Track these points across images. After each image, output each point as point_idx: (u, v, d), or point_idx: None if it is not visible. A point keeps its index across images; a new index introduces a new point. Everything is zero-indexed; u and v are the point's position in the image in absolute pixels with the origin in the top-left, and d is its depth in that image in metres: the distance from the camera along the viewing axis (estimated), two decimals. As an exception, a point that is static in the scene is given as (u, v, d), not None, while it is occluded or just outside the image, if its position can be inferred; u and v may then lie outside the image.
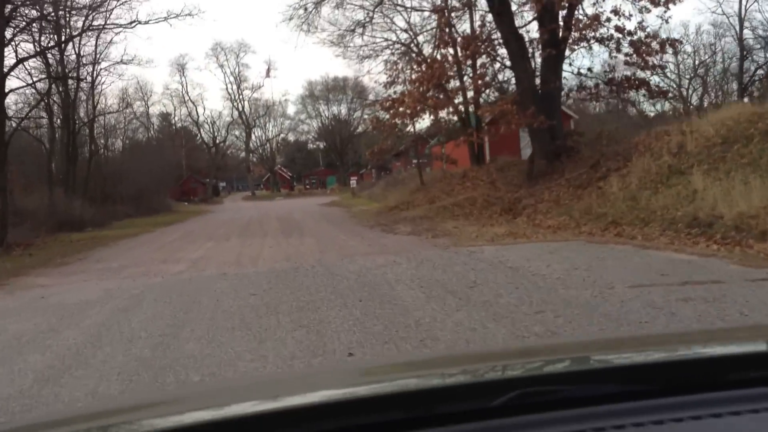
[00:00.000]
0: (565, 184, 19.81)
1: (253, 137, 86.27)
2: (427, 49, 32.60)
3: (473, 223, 19.28)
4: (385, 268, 10.31)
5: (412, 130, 37.63)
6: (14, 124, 33.81)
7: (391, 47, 33.09)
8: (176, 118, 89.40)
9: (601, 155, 19.66)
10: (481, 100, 24.42)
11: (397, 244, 15.00)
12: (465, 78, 25.35)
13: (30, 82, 33.38)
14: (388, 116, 32.79)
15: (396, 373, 1.90)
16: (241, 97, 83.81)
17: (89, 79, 37.54)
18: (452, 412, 1.22)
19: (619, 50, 22.06)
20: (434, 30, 31.01)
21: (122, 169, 53.56)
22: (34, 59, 32.72)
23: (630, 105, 35.17)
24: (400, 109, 23.04)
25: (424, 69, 22.56)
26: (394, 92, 31.78)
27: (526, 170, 23.38)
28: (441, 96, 21.51)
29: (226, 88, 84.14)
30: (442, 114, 34.44)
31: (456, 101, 22.73)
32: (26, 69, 31.59)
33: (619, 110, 46.60)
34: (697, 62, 52.41)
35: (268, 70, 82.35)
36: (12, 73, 31.47)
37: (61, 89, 34.86)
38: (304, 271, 10.57)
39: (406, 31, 32.69)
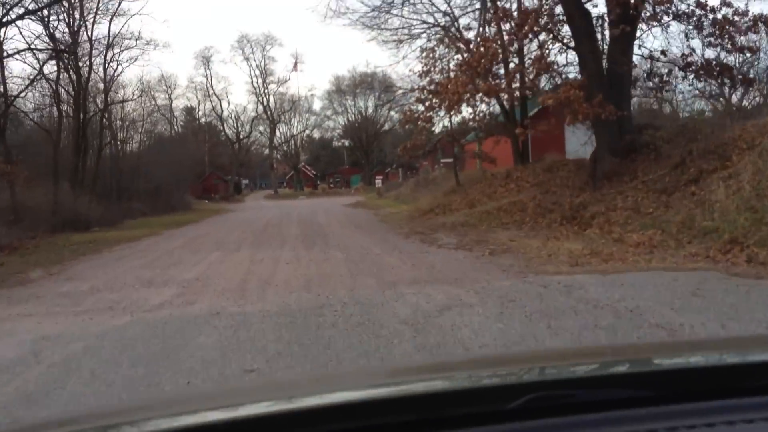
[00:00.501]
0: (642, 188, 16.22)
1: (277, 133, 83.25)
2: (469, 35, 29.02)
3: (532, 235, 15.79)
4: (451, 313, 6.86)
5: (446, 124, 34.08)
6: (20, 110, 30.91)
7: (427, 31, 29.58)
8: (200, 113, 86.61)
9: (688, 153, 16.04)
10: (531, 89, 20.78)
11: (447, 263, 11.57)
12: (514, 62, 21.81)
13: (37, 67, 30.46)
14: (422, 108, 29.48)
15: (415, 375, 1.91)
16: (266, 91, 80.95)
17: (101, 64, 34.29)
18: (468, 414, 1.24)
19: (700, 29, 18.45)
20: (477, 12, 27.56)
21: (139, 164, 50.62)
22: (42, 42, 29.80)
23: (666, 102, 31.27)
24: (438, 99, 19.60)
25: (472, 49, 19.09)
26: (430, 82, 28.53)
27: (589, 171, 19.82)
28: (493, 81, 17.92)
29: (251, 82, 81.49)
30: (482, 107, 31.08)
31: (511, 86, 19.07)
32: (35, 55, 28.80)
33: (653, 109, 42.25)
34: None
35: (295, 64, 78.82)
36: (18, 57, 28.58)
37: (72, 74, 31.77)
38: (331, 314, 7.13)
39: (446, 13, 29.10)
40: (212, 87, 79.79)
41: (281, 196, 76.22)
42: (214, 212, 46.89)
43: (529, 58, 19.56)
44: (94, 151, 35.76)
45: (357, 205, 45.73)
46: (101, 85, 39.44)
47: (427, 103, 29.45)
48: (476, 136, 32.03)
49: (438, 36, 29.80)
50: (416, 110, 29.78)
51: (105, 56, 33.86)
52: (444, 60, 28.09)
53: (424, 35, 30.28)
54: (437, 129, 31.43)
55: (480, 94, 19.36)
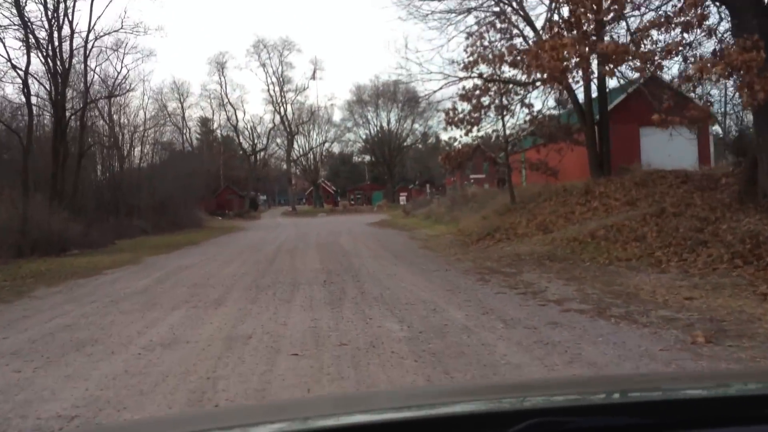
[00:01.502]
0: None
1: (295, 146, 77.09)
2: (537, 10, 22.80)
3: (705, 285, 9.34)
4: None
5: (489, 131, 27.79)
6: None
7: (475, 10, 23.17)
8: (215, 124, 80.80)
9: None
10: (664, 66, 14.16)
11: (614, 360, 5.29)
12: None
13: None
14: (469, 107, 23.25)
15: (419, 400, 1.96)
16: (283, 100, 74.89)
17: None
18: None
19: None
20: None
21: (141, 176, 44.69)
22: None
23: None
24: (532, 66, 13.27)
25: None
26: (475, 74, 22.48)
27: (742, 184, 13.35)
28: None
29: (268, 90, 75.16)
30: (549, 102, 24.81)
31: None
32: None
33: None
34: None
35: (314, 72, 72.79)
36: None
37: (49, 64, 25.81)
38: None
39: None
40: (227, 95, 73.84)
41: (300, 213, 70.11)
42: (223, 231, 40.75)
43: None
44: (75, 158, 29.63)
45: (384, 225, 39.47)
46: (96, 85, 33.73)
47: (473, 101, 23.30)
48: (534, 142, 25.58)
49: (488, 20, 23.30)
50: (462, 110, 23.58)
51: (86, 42, 27.69)
52: (494, 46, 21.79)
53: (471, 17, 23.86)
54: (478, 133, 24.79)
55: (593, 62, 12.96)
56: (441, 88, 24.53)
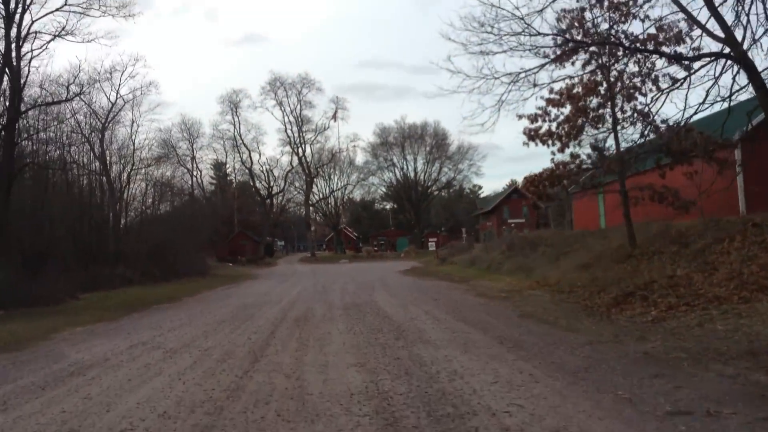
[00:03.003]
0: None
1: (315, 189, 69.13)
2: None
3: None
4: None
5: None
6: None
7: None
8: (230, 167, 73.22)
9: None
10: None
11: None
12: None
13: None
14: (563, 112, 15.36)
15: None
16: (302, 140, 67.22)
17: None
18: None
19: None
20: None
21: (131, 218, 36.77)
22: None
23: None
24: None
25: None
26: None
27: None
28: None
29: (285, 130, 68.17)
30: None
31: None
32: None
33: None
34: None
35: (335, 112, 65.23)
36: None
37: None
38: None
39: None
40: (241, 136, 66.08)
41: (320, 259, 61.80)
42: (227, 280, 32.56)
43: None
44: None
45: (421, 273, 31.12)
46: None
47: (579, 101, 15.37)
48: (658, 160, 17.06)
49: None
50: (553, 116, 15.61)
51: (19, 28, 19.89)
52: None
53: None
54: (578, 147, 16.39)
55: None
56: (538, 70, 16.26)
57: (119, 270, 29.67)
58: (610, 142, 16.69)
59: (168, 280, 30.73)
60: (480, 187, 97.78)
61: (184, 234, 39.74)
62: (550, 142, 16.22)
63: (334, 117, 64.98)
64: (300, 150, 66.95)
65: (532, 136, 16.42)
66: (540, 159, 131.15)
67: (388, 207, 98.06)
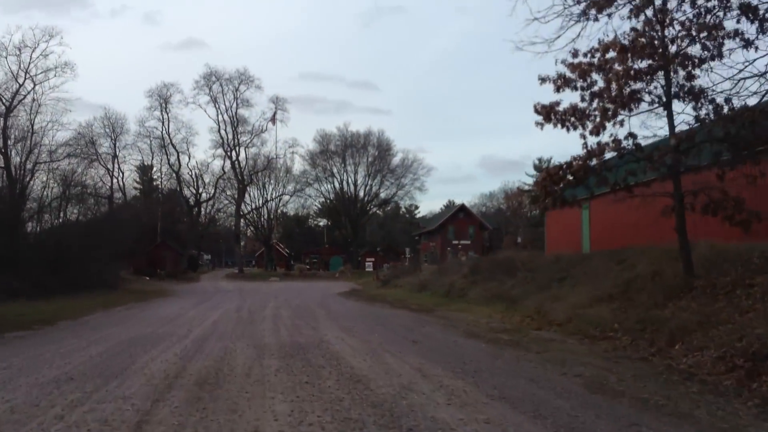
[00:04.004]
0: None
1: (247, 198, 62.95)
2: None
3: None
4: None
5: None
6: None
7: None
8: (158, 172, 66.44)
9: None
10: None
11: None
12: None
13: None
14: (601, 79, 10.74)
15: None
16: (236, 142, 61.08)
17: None
18: None
19: None
20: None
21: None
22: None
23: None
24: None
25: None
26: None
27: None
28: None
29: (219, 130, 61.90)
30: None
31: None
32: None
33: None
34: None
35: (275, 114, 59.27)
36: None
37: None
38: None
39: None
40: (169, 135, 59.22)
41: (248, 277, 55.73)
42: (137, 297, 26.64)
43: None
44: None
45: (366, 298, 25.95)
46: None
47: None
48: (714, 157, 12.33)
49: None
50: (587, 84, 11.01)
51: None
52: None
53: None
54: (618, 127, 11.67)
55: None
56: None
57: (3, 279, 23.54)
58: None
59: (67, 294, 24.60)
60: (416, 207, 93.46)
61: (96, 241, 33.46)
62: (573, 120, 11.48)
63: (273, 120, 59.03)
64: (234, 153, 60.55)
65: (549, 114, 11.66)
66: (475, 182, 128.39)
67: (321, 224, 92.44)
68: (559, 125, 11.81)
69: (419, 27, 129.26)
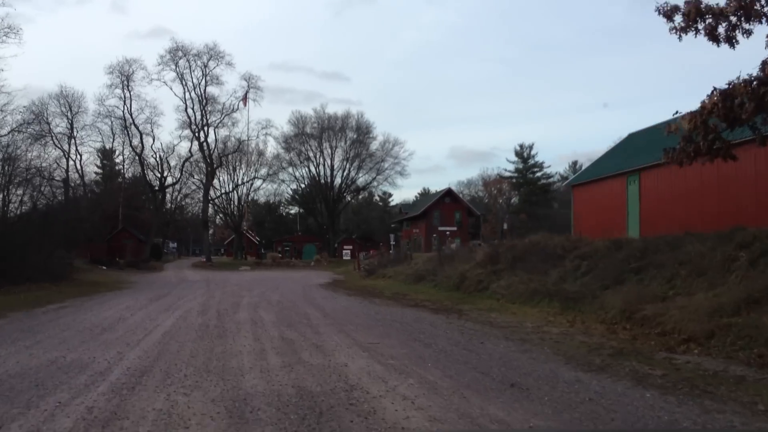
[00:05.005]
0: None
1: (216, 183, 57.32)
2: None
3: None
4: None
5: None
6: None
7: None
8: (118, 154, 60.58)
9: None
10: None
11: None
12: None
13: None
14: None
15: None
16: (205, 122, 54.81)
17: None
18: None
19: None
20: None
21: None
22: None
23: None
24: None
25: None
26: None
27: None
28: None
29: (186, 109, 54.90)
30: None
31: None
32: None
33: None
34: None
35: (246, 93, 53.53)
36: None
37: None
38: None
39: None
40: (132, 115, 53.03)
41: (216, 266, 50.40)
42: (84, 291, 21.75)
43: None
44: None
45: (359, 292, 21.19)
46: None
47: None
48: None
49: None
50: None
51: None
52: None
53: None
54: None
55: None
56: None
57: None
58: None
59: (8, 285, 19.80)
60: (390, 195, 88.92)
61: (44, 228, 28.19)
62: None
63: (245, 99, 53.37)
64: (202, 134, 54.55)
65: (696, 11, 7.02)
66: (445, 173, 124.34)
67: (293, 212, 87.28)
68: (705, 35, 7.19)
69: (390, 18, 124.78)
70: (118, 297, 19.43)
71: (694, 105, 8.48)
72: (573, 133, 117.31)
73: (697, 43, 11.21)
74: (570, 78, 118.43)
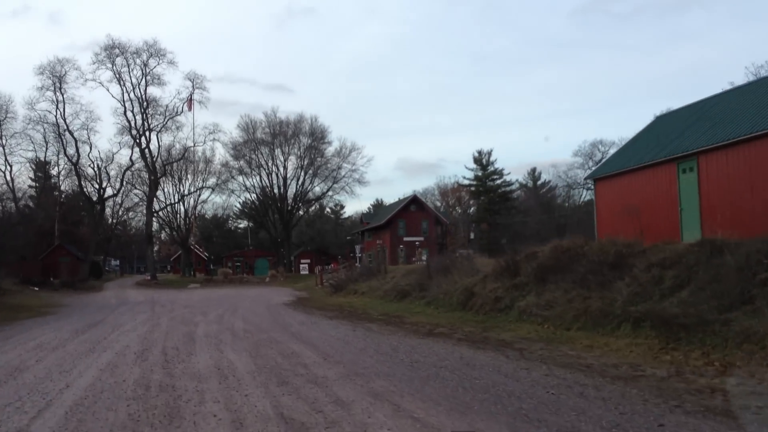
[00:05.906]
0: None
1: (160, 195, 51.94)
2: None
3: None
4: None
5: None
6: None
7: None
8: (54, 166, 54.70)
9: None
10: None
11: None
12: None
13: None
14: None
15: None
16: (147, 126, 49.45)
17: None
18: None
19: None
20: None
21: None
22: None
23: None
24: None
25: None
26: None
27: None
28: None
29: (125, 112, 49.17)
30: None
31: None
32: None
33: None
34: None
35: (192, 93, 48.40)
36: None
37: None
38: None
39: None
40: (65, 120, 46.89)
41: (162, 284, 45.18)
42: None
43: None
44: None
45: (339, 314, 16.99)
46: None
47: None
48: None
49: None
50: None
51: None
52: None
53: None
54: None
55: None
56: None
57: None
58: None
59: None
60: (342, 207, 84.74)
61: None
62: None
63: (190, 103, 48.28)
64: (143, 140, 49.04)
65: None
66: (391, 185, 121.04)
67: (242, 225, 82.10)
68: None
69: (332, 29, 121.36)
70: (37, 326, 14.90)
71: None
72: (522, 143, 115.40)
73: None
74: (516, 89, 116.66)
